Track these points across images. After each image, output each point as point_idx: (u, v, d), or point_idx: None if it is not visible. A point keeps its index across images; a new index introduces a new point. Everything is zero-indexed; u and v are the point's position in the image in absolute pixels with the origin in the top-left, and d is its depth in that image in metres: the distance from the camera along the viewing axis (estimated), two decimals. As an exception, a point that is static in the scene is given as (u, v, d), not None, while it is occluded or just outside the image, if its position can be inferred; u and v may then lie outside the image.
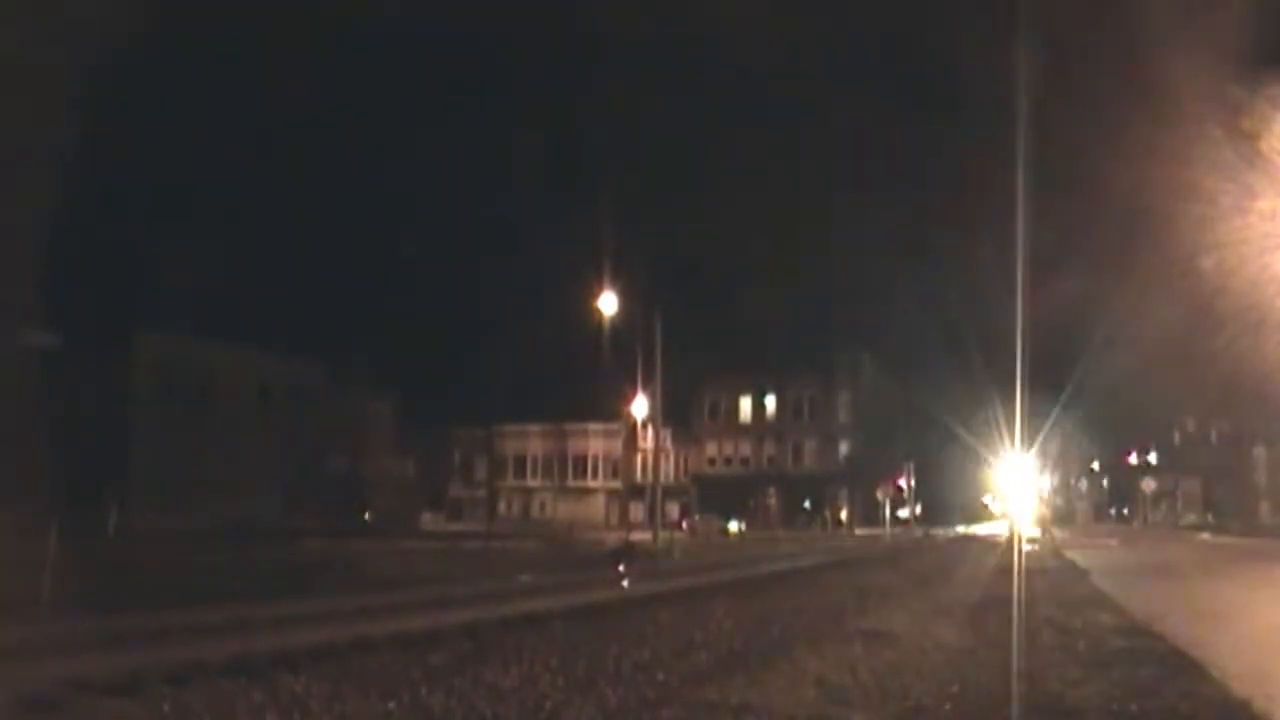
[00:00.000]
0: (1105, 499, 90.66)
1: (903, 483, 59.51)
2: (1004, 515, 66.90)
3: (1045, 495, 79.68)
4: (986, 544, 36.60)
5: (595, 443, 69.53)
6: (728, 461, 69.65)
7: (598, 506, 67.93)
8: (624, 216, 47.93)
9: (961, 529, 60.35)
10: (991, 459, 53.10)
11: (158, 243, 50.95)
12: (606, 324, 36.01)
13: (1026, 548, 27.56)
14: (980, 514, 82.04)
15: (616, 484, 67.96)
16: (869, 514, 60.26)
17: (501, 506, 70.65)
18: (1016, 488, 52.16)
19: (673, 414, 54.75)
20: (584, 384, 57.51)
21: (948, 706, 6.19)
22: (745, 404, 70.02)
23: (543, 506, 70.13)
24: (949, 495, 72.93)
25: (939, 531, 53.23)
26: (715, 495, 62.69)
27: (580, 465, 70.68)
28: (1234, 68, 17.99)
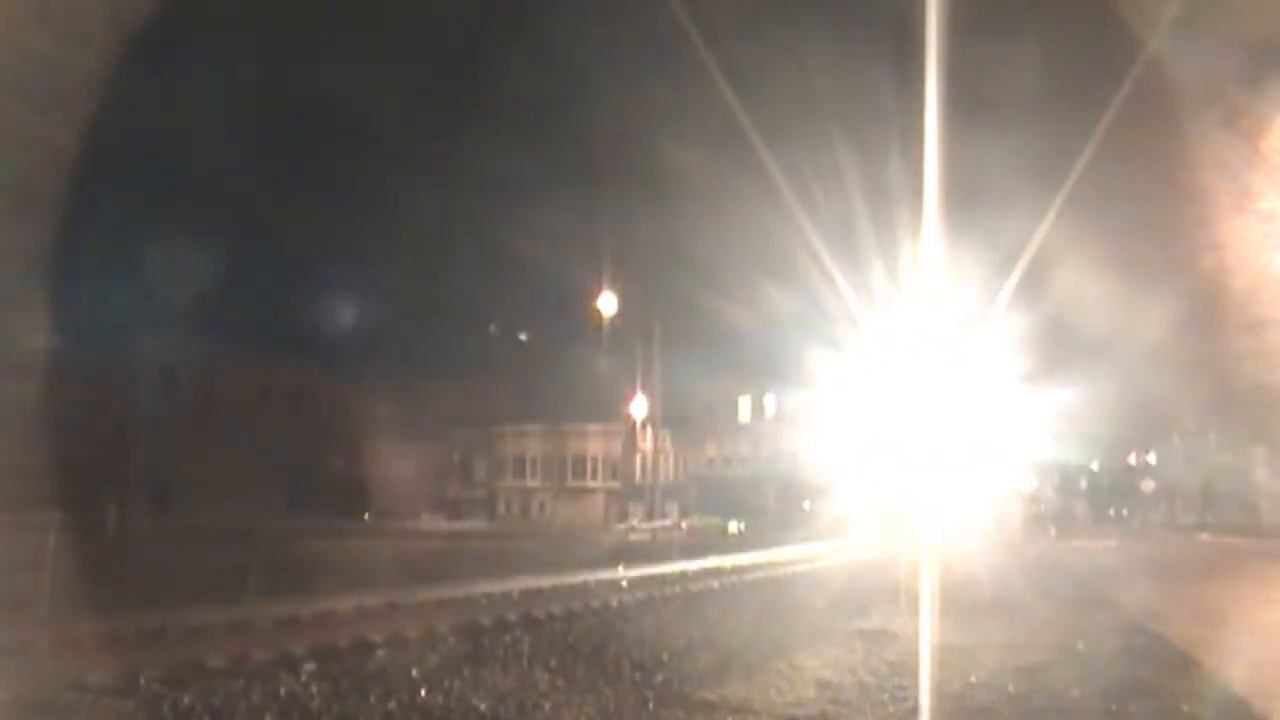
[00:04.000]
0: (1104, 499, 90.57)
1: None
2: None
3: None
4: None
5: (595, 443, 69.49)
6: (727, 461, 69.65)
7: (597, 506, 67.81)
8: (624, 216, 47.83)
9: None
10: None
11: (158, 242, 50.87)
12: (606, 324, 36.06)
13: None
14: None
15: (616, 484, 67.89)
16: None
17: (501, 506, 70.65)
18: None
19: (672, 414, 54.62)
20: (584, 384, 57.48)
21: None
22: (745, 404, 70.02)
23: (542, 506, 70.10)
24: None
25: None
26: (715, 495, 62.64)
27: (579, 465, 70.62)
28: (1234, 68, 17.99)
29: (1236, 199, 18.55)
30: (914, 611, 11.33)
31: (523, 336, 56.06)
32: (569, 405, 65.03)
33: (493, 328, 59.16)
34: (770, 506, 64.00)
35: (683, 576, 17.45)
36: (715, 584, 16.35)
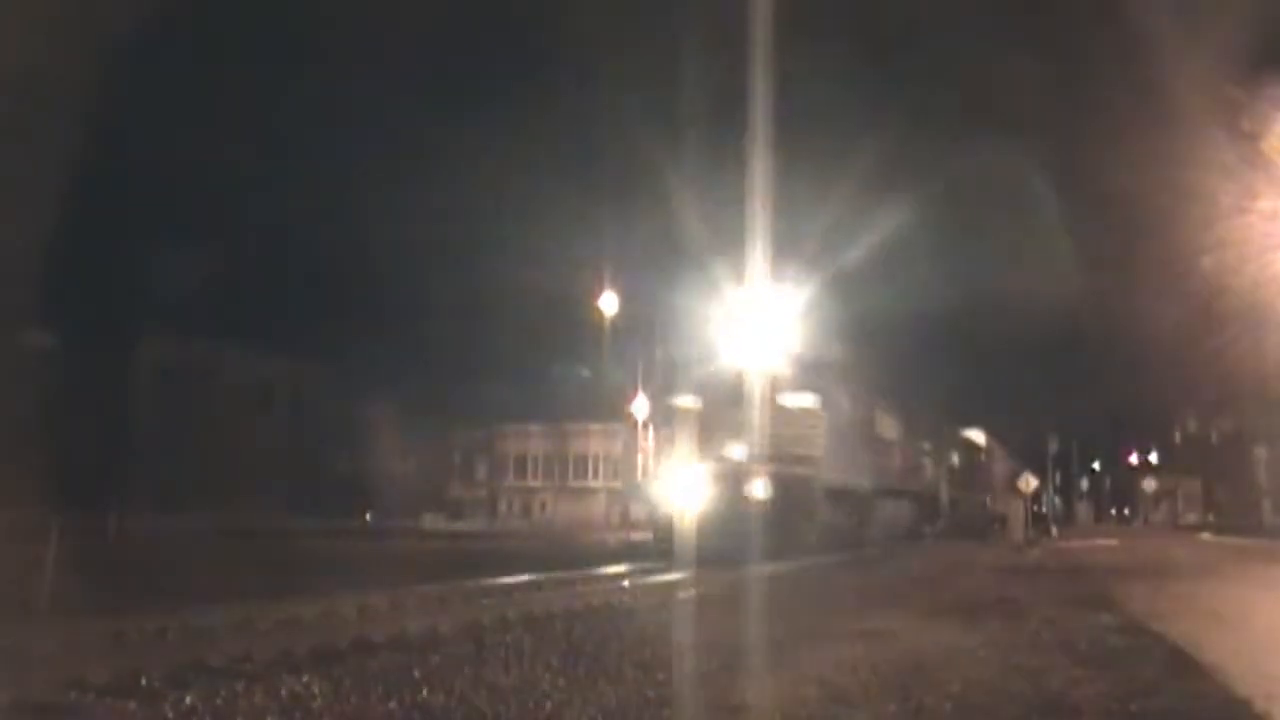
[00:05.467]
0: (1106, 499, 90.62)
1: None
2: None
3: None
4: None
5: (596, 443, 69.57)
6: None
7: (598, 506, 67.90)
8: (624, 214, 47.91)
9: None
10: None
11: (158, 242, 50.93)
12: (607, 324, 36.11)
13: None
14: None
15: (617, 484, 67.92)
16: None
17: (502, 506, 70.72)
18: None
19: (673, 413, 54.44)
20: (584, 384, 57.51)
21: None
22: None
23: (543, 506, 70.18)
24: None
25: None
26: (716, 495, 62.60)
27: (581, 465, 70.71)
28: (1234, 68, 18.03)
29: (1237, 199, 18.60)
30: (914, 611, 11.34)
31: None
32: (570, 405, 65.09)
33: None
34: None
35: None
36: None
